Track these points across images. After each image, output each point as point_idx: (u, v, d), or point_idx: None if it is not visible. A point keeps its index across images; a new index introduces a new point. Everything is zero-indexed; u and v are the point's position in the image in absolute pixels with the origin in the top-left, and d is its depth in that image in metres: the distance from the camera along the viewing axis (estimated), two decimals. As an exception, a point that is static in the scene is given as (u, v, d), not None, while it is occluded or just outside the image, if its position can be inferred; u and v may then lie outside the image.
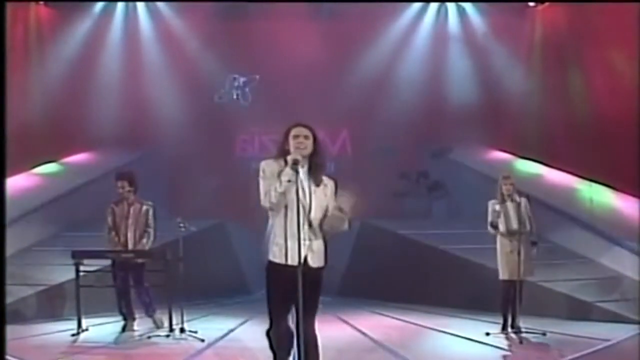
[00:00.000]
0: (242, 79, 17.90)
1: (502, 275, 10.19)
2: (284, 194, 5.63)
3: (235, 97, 17.84)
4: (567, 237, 13.48)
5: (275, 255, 5.75)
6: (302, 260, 5.54)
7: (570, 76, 15.96)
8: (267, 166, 5.82)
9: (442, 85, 17.59)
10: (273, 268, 5.77)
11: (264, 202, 5.74)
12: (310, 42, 17.05)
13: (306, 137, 5.83)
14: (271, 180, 5.70)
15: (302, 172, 5.76)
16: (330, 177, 6.00)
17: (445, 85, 17.62)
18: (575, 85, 15.80)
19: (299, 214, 5.60)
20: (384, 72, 17.51)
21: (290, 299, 5.65)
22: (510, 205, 10.18)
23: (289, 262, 5.63)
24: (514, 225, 10.10)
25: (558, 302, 11.67)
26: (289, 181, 5.60)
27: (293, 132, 5.85)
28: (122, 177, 10.66)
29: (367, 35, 17.49)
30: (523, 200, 10.28)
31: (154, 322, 10.61)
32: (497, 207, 10.21)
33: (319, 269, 5.83)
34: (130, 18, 17.31)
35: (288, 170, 5.62)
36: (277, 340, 5.81)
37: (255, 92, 17.77)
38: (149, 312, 10.68)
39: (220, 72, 17.44)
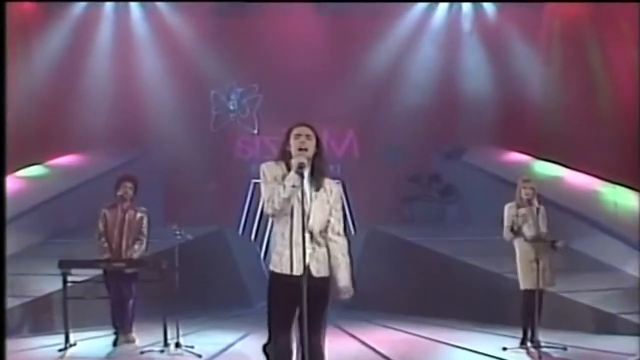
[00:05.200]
0: (239, 90, 17.85)
1: (524, 285, 10.08)
2: (288, 199, 5.57)
3: (231, 108, 17.81)
4: (590, 244, 13.42)
5: (276, 265, 5.70)
6: (304, 270, 5.49)
7: (592, 72, 15.93)
8: (268, 169, 5.76)
9: (455, 82, 17.58)
10: (274, 278, 5.72)
11: (267, 208, 5.68)
12: (313, 37, 17.04)
13: (308, 136, 5.76)
14: (273, 185, 5.65)
15: (305, 175, 5.70)
16: (335, 179, 5.92)
17: (458, 82, 17.62)
18: (598, 81, 15.77)
19: (303, 221, 5.55)
20: (392, 69, 17.50)
21: (291, 312, 5.60)
22: (532, 210, 10.07)
23: (290, 272, 5.57)
24: (543, 230, 10.02)
25: (580, 313, 11.58)
26: (294, 186, 5.54)
27: (295, 131, 5.79)
28: (128, 179, 10.63)
29: (374, 29, 17.47)
30: (542, 207, 10.18)
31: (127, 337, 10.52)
32: (524, 211, 10.09)
33: (324, 279, 5.77)
34: (121, 12, 17.28)
35: (293, 175, 5.56)
36: (275, 356, 5.75)
37: (255, 92, 17.75)
38: (126, 327, 10.57)
39: (218, 70, 17.39)
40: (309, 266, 5.61)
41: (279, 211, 5.62)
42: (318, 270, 5.72)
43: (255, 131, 17.73)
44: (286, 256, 5.60)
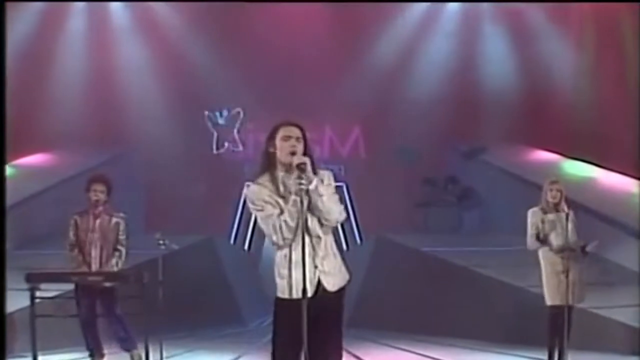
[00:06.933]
0: (224, 113, 17.80)
1: (552, 300, 9.99)
2: (297, 224, 5.46)
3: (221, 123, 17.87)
4: (625, 253, 13.37)
5: (283, 290, 5.56)
6: (315, 289, 5.46)
7: (627, 62, 15.91)
8: (255, 195, 5.58)
9: (473, 73, 17.59)
10: (283, 305, 5.60)
11: (278, 240, 5.52)
12: (316, 26, 17.07)
13: (298, 139, 5.63)
14: (270, 212, 5.51)
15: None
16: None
17: (477, 73, 17.63)
18: (632, 74, 15.73)
19: (303, 236, 5.44)
20: (403, 58, 17.56)
21: (301, 337, 5.46)
22: (560, 216, 9.98)
23: (302, 296, 5.44)
24: (571, 239, 9.92)
25: (614, 332, 11.52)
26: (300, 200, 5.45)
27: (283, 132, 5.63)
28: (99, 179, 10.51)
29: (383, 16, 17.47)
30: (571, 212, 10.09)
31: (131, 358, 10.48)
32: (551, 217, 10.00)
33: (340, 292, 5.70)
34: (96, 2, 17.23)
35: (294, 198, 5.43)
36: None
37: (250, 86, 17.71)
38: (127, 346, 10.52)
39: (209, 63, 17.32)
40: (319, 281, 5.54)
41: (294, 237, 5.52)
42: (334, 284, 5.64)
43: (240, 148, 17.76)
44: (294, 279, 5.48)
